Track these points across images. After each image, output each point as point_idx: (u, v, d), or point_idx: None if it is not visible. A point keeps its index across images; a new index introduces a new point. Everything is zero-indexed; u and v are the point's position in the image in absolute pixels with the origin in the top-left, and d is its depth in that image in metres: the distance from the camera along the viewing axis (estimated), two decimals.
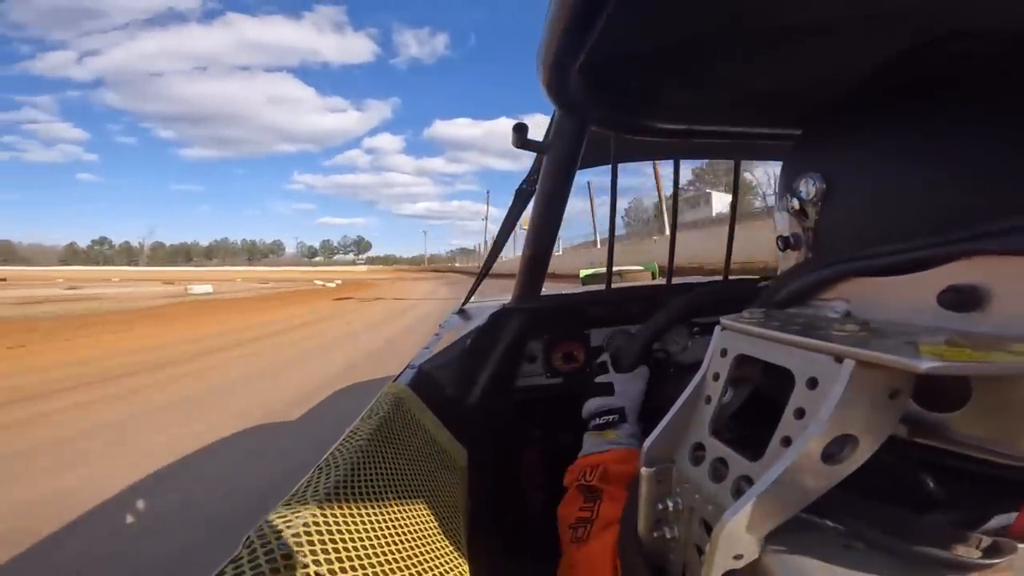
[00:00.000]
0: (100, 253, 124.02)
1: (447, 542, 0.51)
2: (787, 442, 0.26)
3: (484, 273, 1.39)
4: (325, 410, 3.46)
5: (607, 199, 0.90)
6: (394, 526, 0.46)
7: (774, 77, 0.49)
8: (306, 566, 0.33)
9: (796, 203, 0.36)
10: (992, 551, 0.25)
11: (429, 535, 0.50)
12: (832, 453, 0.25)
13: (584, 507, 0.55)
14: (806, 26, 0.38)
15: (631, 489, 0.42)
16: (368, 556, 0.39)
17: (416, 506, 0.52)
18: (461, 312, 1.25)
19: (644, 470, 0.34)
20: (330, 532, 0.38)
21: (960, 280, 0.26)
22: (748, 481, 0.28)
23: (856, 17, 0.36)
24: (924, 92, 0.32)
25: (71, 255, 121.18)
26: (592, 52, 0.41)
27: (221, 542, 0.72)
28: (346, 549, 0.37)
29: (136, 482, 2.35)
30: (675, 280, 1.07)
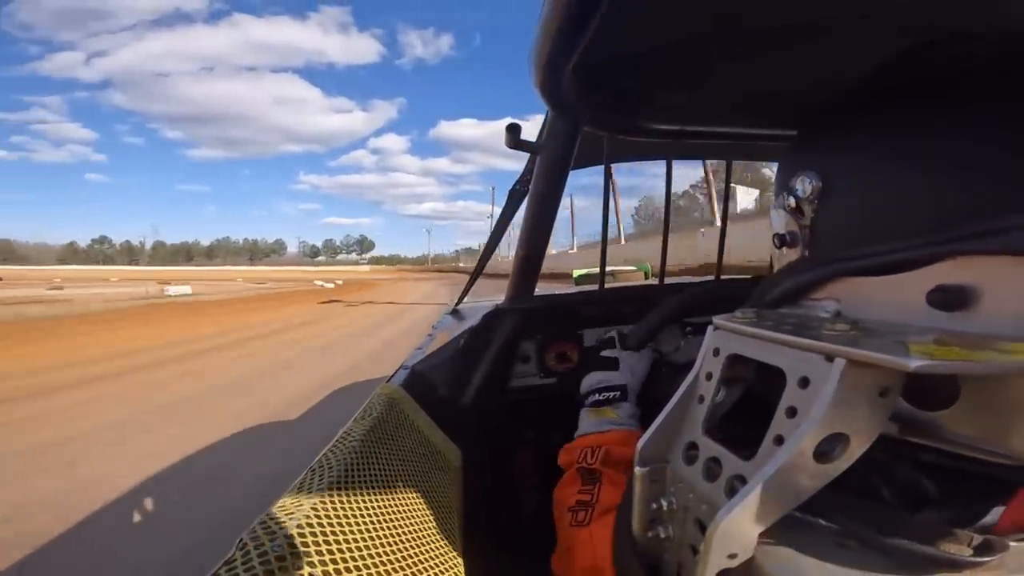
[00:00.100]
0: (100, 252, 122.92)
1: (442, 543, 0.51)
2: (779, 441, 0.26)
3: (477, 273, 1.39)
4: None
5: (605, 199, 0.90)
6: (389, 527, 0.46)
7: (770, 78, 0.49)
8: (300, 568, 0.33)
9: (792, 201, 0.36)
10: (983, 549, 0.26)
11: (424, 536, 0.49)
12: (824, 452, 0.25)
13: (583, 490, 0.54)
14: (803, 27, 0.38)
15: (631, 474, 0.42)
16: (363, 557, 0.39)
17: (410, 507, 0.52)
18: (454, 312, 1.25)
19: (638, 470, 0.34)
20: (324, 534, 0.38)
21: (948, 280, 0.27)
22: (741, 480, 0.28)
23: (855, 19, 0.36)
24: (923, 92, 0.32)
25: (70, 254, 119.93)
26: (585, 52, 0.41)
27: None
28: (340, 551, 0.37)
29: None
30: (667, 280, 1.08)
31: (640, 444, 0.34)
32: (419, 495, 0.55)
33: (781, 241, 0.38)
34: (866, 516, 0.28)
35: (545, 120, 0.73)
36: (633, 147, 0.91)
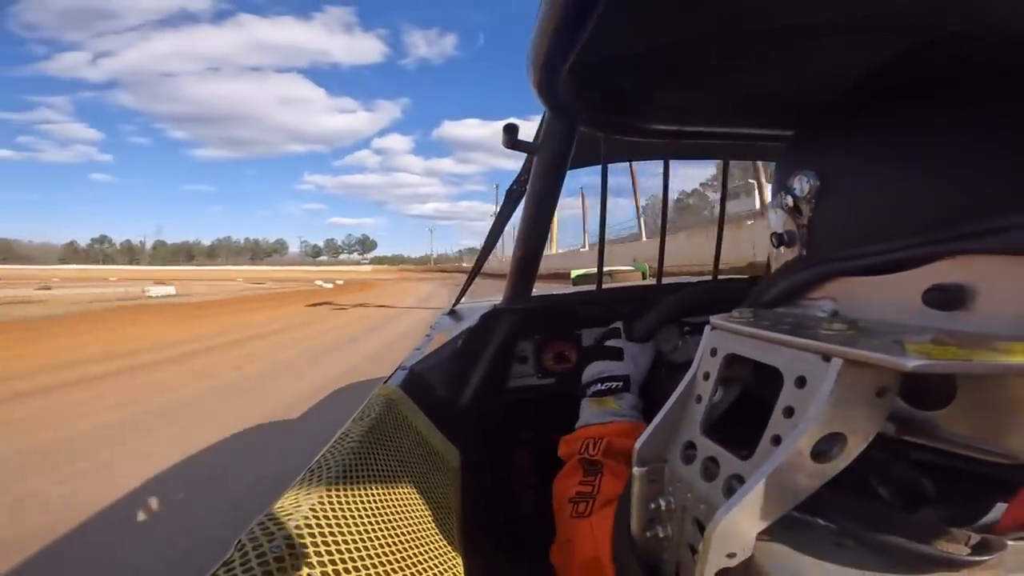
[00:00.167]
0: (100, 252, 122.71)
1: (441, 544, 0.51)
2: (777, 441, 0.26)
3: (475, 273, 1.39)
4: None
5: (610, 197, 0.90)
6: (387, 528, 0.45)
7: (768, 79, 0.49)
8: (299, 569, 0.33)
9: (790, 200, 0.36)
10: (981, 548, 0.26)
11: (423, 537, 0.49)
12: (821, 451, 0.25)
13: (584, 481, 0.54)
14: (802, 28, 0.38)
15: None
16: (362, 558, 0.39)
17: (409, 508, 0.52)
18: (452, 313, 1.25)
19: (636, 469, 0.34)
20: (323, 535, 0.37)
21: (945, 279, 0.27)
22: (739, 480, 0.28)
23: (854, 19, 0.36)
24: (922, 92, 0.32)
25: (71, 254, 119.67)
26: (582, 53, 0.41)
27: None
28: (339, 552, 0.37)
29: None
30: (665, 280, 1.08)
31: (638, 444, 0.35)
32: (417, 496, 0.55)
33: (779, 240, 0.38)
34: (864, 515, 0.28)
35: (542, 120, 0.73)
36: (630, 147, 0.92)
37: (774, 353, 0.29)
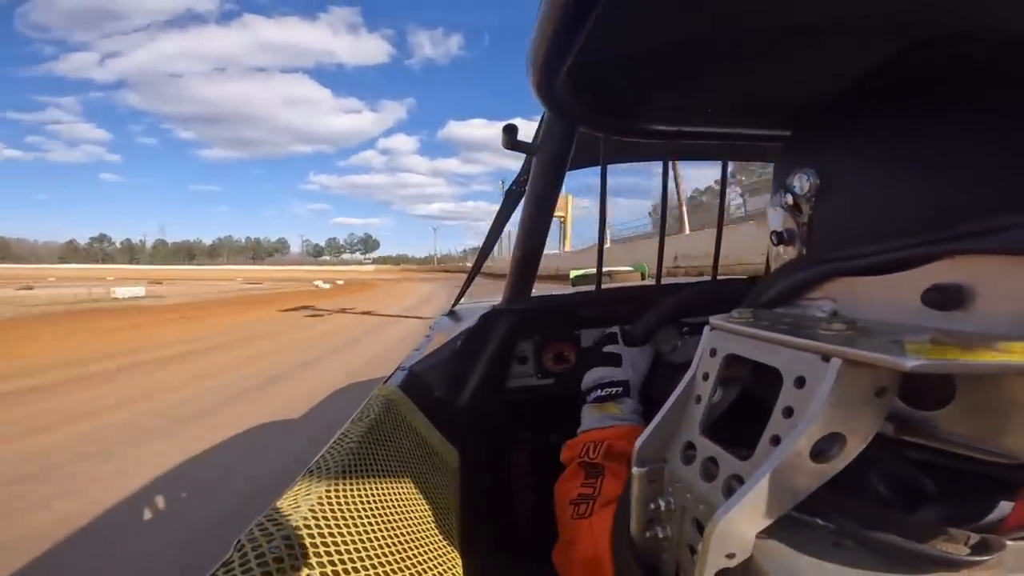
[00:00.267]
0: (99, 251, 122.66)
1: (440, 544, 0.51)
2: (776, 441, 0.26)
3: (474, 273, 1.39)
4: None
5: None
6: (387, 529, 0.45)
7: (768, 79, 0.49)
8: (299, 569, 0.33)
9: (790, 198, 0.36)
10: (980, 548, 0.26)
11: (422, 537, 0.49)
12: (821, 451, 0.25)
13: (586, 483, 0.54)
14: (801, 28, 0.38)
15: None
16: (362, 559, 0.39)
17: (408, 508, 0.52)
18: (451, 313, 1.25)
19: (636, 470, 0.34)
20: (322, 535, 0.37)
21: (944, 279, 0.27)
22: (739, 480, 0.28)
23: (854, 19, 0.36)
24: (922, 92, 0.32)
25: (70, 253, 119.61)
26: (581, 53, 0.41)
27: None
28: (339, 552, 0.37)
29: None
30: (664, 281, 1.08)
31: (638, 444, 0.35)
32: (417, 496, 0.55)
33: (779, 239, 0.38)
34: (863, 515, 0.28)
35: (541, 121, 0.73)
36: (629, 148, 0.91)
37: (773, 353, 0.29)
